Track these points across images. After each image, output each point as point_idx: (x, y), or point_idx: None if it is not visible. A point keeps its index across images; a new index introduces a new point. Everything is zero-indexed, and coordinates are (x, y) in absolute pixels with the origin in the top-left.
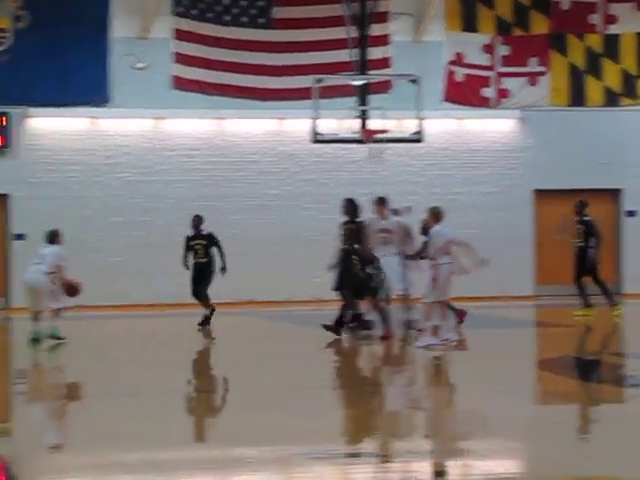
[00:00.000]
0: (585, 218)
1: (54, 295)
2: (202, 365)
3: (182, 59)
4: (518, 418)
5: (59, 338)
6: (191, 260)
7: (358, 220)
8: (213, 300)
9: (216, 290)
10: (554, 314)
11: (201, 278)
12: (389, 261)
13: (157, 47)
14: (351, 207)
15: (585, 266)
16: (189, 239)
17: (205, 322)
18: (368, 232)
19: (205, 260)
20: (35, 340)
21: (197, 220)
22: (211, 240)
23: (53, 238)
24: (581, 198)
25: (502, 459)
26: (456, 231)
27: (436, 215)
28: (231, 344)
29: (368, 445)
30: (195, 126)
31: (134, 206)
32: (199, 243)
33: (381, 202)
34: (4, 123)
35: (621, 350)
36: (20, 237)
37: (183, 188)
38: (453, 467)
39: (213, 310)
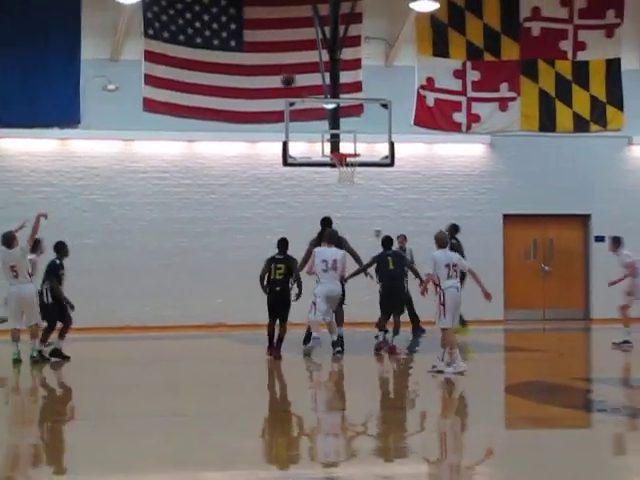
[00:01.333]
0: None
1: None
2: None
3: (153, 81)
4: (487, 442)
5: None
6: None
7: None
8: (172, 323)
9: (185, 312)
10: (522, 338)
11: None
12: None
13: (128, 69)
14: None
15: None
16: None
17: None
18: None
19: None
20: (18, 361)
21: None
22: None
23: (10, 242)
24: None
25: None
26: (457, 257)
27: (438, 240)
28: (195, 367)
29: (341, 469)
30: (166, 148)
31: (104, 228)
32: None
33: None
34: None
35: (588, 376)
36: None
37: (154, 210)
38: None
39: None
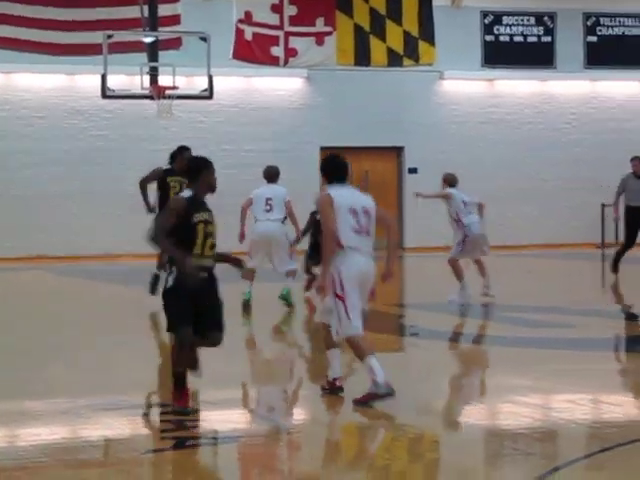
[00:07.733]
0: None
1: None
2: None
3: None
4: (291, 369)
5: None
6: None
7: None
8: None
9: (4, 246)
10: None
11: None
12: None
13: None
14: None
15: None
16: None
17: None
18: None
19: None
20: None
21: None
22: None
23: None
24: None
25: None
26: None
27: (449, 180)
28: (24, 301)
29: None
30: None
31: None
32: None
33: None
34: None
35: (400, 302)
36: None
37: None
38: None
39: None
